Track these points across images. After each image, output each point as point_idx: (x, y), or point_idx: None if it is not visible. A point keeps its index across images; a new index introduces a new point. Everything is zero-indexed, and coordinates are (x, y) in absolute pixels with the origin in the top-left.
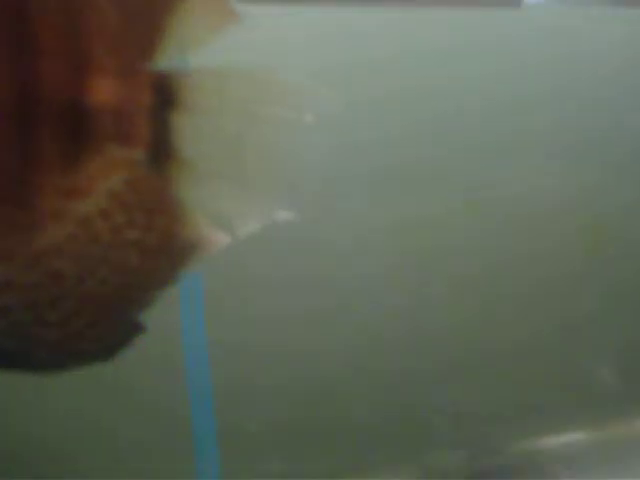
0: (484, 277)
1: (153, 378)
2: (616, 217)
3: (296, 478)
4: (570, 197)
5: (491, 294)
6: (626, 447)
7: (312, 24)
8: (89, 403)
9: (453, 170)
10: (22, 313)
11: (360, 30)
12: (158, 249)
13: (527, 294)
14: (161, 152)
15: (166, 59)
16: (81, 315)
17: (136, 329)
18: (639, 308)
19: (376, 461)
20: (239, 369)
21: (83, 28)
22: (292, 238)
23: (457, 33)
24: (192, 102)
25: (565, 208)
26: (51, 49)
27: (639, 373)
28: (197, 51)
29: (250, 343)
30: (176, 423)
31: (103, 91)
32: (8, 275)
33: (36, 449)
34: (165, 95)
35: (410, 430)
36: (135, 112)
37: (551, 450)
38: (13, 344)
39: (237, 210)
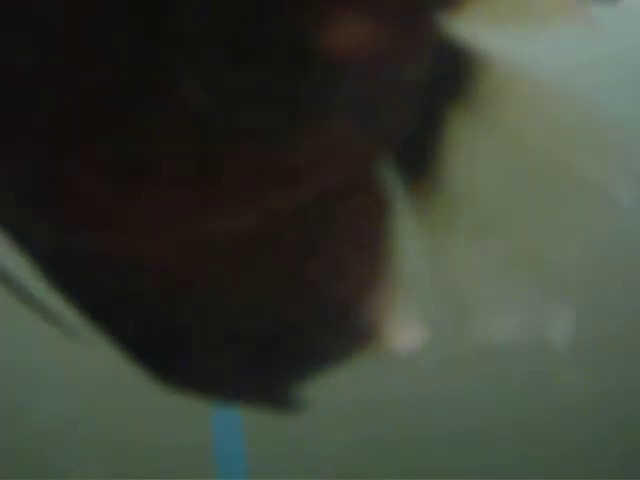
0: None
1: None
2: None
3: None
4: None
5: None
6: None
7: None
8: None
9: None
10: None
11: None
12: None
13: None
14: (414, 167)
15: (463, 27)
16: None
17: (287, 404)
18: None
19: None
20: None
21: None
22: None
23: None
24: (486, 103)
25: None
26: None
27: None
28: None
29: None
30: None
31: (346, 35)
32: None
33: None
34: (448, 75)
35: None
36: (392, 85)
37: None
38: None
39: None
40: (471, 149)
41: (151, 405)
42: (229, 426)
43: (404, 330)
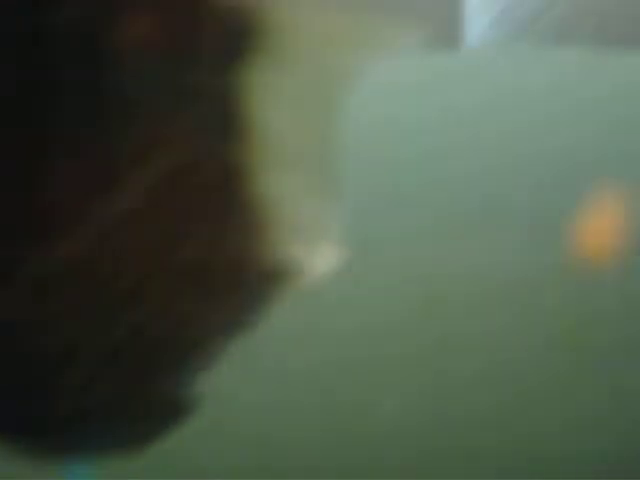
0: None
1: None
2: None
3: None
4: None
5: None
6: None
7: None
8: None
9: None
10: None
11: None
12: (222, 277)
13: None
14: (224, 118)
15: None
16: (97, 379)
17: (179, 408)
18: None
19: None
20: None
21: None
22: None
23: None
24: (271, 51)
25: None
26: None
27: None
28: None
29: None
30: None
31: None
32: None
33: None
34: (237, 29)
35: None
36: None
37: None
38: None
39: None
40: (272, 88)
41: None
42: None
43: (317, 256)
